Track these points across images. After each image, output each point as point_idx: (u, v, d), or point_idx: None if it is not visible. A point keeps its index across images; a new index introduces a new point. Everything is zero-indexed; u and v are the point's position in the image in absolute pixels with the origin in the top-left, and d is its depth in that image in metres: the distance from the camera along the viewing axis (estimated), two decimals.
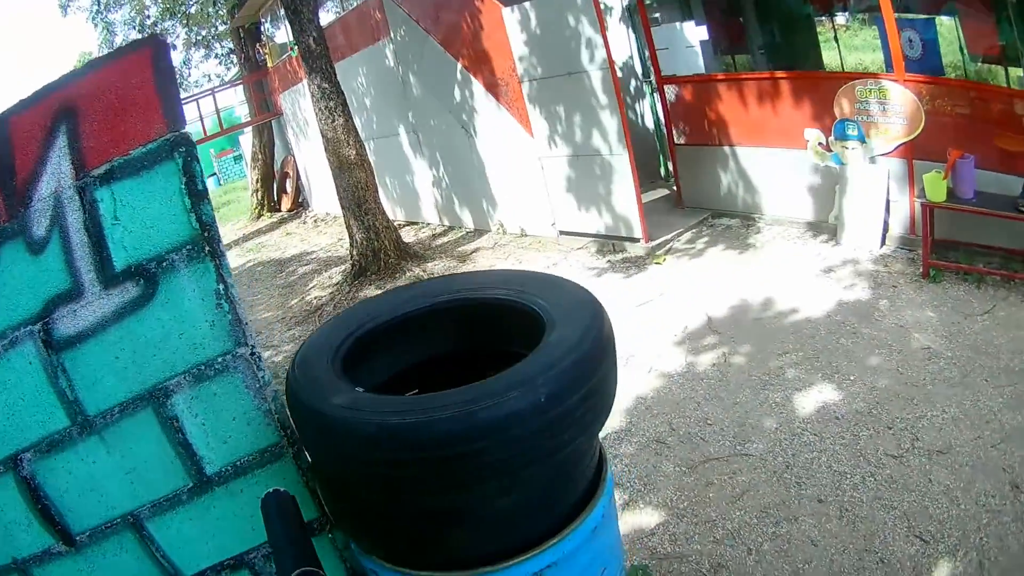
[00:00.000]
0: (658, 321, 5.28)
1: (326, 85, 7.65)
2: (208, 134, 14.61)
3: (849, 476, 3.28)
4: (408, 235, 9.67)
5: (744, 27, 7.95)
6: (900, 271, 5.14)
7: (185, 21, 16.04)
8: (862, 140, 5.45)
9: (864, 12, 7.76)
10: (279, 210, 15.05)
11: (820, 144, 5.82)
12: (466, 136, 8.50)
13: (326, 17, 11.12)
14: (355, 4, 10.18)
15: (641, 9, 7.30)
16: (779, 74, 6.16)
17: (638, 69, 8.37)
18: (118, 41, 15.27)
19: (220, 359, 1.64)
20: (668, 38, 7.93)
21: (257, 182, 15.11)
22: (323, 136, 7.94)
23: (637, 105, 8.59)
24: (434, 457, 1.37)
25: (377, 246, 8.00)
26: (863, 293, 4.94)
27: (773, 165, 6.40)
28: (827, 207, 6.03)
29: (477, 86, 7.96)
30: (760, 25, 7.86)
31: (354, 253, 8.19)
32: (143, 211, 1.60)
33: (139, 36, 14.28)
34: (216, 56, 17.76)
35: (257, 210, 15.10)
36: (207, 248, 1.60)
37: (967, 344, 4.07)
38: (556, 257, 7.31)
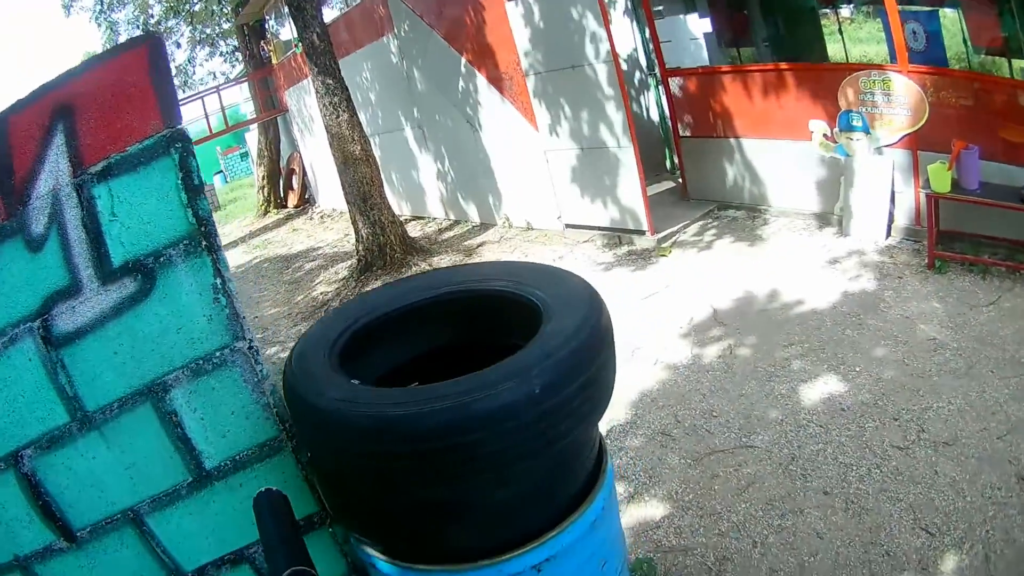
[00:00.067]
0: (664, 313, 5.27)
1: (330, 81, 7.65)
2: (213, 131, 14.64)
3: (855, 468, 3.26)
4: (414, 230, 9.68)
5: (748, 19, 7.92)
6: (905, 262, 5.10)
7: (189, 19, 16.07)
8: (867, 131, 5.41)
9: (868, 4, 7.70)
10: (285, 206, 15.08)
11: (825, 136, 5.78)
12: (471, 130, 8.49)
13: (330, 13, 11.13)
14: (359, 0, 10.17)
15: (644, 1, 7.26)
16: (783, 66, 6.12)
17: (642, 62, 8.33)
18: (122, 40, 15.29)
19: (218, 353, 1.64)
20: (672, 31, 7.89)
21: (263, 179, 15.14)
22: (328, 132, 7.94)
23: (642, 98, 8.55)
24: (428, 449, 1.37)
25: (383, 241, 8.00)
26: (869, 284, 4.91)
27: (778, 157, 6.37)
28: (832, 198, 6.00)
29: (481, 80, 7.94)
30: (764, 17, 7.83)
31: (360, 248, 8.20)
32: (140, 207, 1.61)
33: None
34: (221, 54, 17.81)
35: (263, 207, 15.13)
36: (204, 243, 1.61)
37: (973, 335, 4.04)
38: (562, 250, 7.30)
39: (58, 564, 1.72)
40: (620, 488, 3.50)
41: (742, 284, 5.38)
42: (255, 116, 15.63)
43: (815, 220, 6.21)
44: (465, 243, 8.55)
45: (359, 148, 7.83)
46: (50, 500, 1.68)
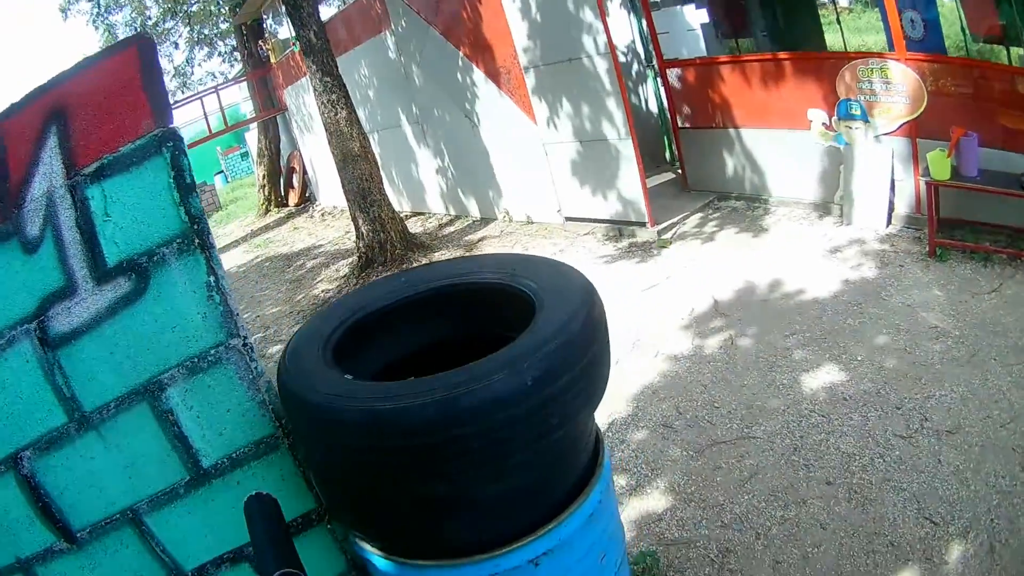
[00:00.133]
0: (665, 305, 5.26)
1: (328, 79, 7.65)
2: (213, 131, 14.64)
3: (858, 458, 3.25)
4: (414, 226, 9.67)
5: (745, 9, 7.88)
6: (906, 250, 5.09)
7: (187, 20, 16.06)
8: (865, 120, 5.39)
9: None
10: (286, 205, 15.08)
11: (824, 124, 5.76)
12: (470, 125, 8.48)
13: (327, 11, 11.11)
14: None
15: None
16: (781, 55, 6.10)
17: (640, 53, 8.31)
18: None
19: (213, 351, 1.64)
20: (669, 22, 7.87)
21: (264, 178, 15.14)
22: (326, 129, 7.94)
23: (640, 89, 8.53)
24: (420, 443, 1.36)
25: (383, 238, 8.01)
26: (870, 273, 4.90)
27: (778, 146, 6.35)
28: (832, 187, 5.99)
29: (479, 74, 7.93)
30: (762, 7, 7.79)
31: (360, 245, 8.20)
32: (133, 207, 1.61)
33: None
34: (219, 54, 17.78)
35: (264, 206, 15.13)
36: (197, 241, 1.61)
37: (975, 323, 4.02)
38: (563, 243, 7.29)
39: (59, 565, 1.72)
40: (622, 481, 3.50)
41: (743, 274, 5.38)
42: (254, 115, 15.63)
43: (815, 209, 6.19)
44: (466, 238, 8.55)
45: (358, 145, 7.83)
46: (50, 501, 1.68)
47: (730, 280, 5.35)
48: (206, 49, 17.56)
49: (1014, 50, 5.33)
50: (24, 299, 1.63)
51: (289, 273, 9.60)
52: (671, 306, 5.21)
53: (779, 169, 6.47)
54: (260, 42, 14.15)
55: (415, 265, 7.72)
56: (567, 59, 6.59)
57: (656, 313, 5.16)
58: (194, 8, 15.77)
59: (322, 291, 8.13)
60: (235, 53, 16.73)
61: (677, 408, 3.98)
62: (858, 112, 5.42)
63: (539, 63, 6.99)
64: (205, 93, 14.64)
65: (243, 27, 14.14)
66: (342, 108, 7.73)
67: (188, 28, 16.53)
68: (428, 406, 1.34)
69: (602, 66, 6.29)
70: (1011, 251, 4.57)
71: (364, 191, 7.94)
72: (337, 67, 7.78)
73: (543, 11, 6.62)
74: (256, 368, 1.67)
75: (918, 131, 5.13)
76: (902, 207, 5.48)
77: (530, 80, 7.20)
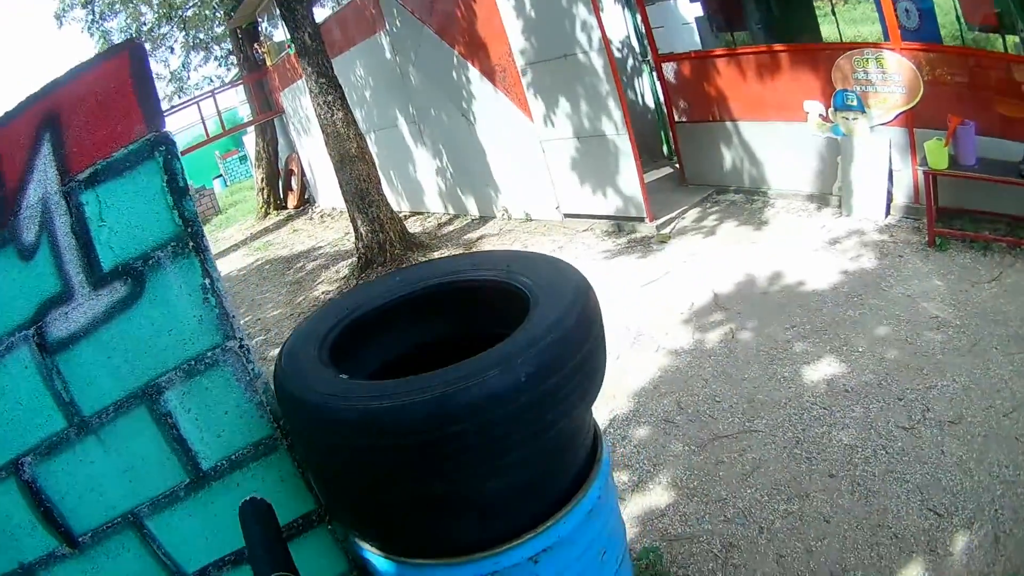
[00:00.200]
0: (664, 299, 5.26)
1: (323, 80, 7.65)
2: (210, 136, 14.65)
3: (860, 450, 3.24)
4: (413, 225, 9.67)
5: (740, 2, 7.87)
6: (906, 240, 5.08)
7: (182, 25, 16.05)
8: (862, 110, 5.39)
9: None
10: (286, 208, 15.09)
11: (820, 116, 5.75)
12: (467, 124, 8.47)
13: (321, 13, 11.11)
14: None
15: None
16: (777, 47, 6.09)
17: (636, 48, 8.30)
18: None
19: (209, 353, 1.65)
20: (663, 16, 7.87)
21: (262, 181, 15.14)
22: (323, 131, 7.94)
23: (636, 84, 8.52)
24: (415, 441, 1.36)
25: (382, 238, 8.01)
26: (869, 264, 4.89)
27: (775, 139, 6.34)
28: (831, 179, 5.98)
29: (475, 73, 7.93)
30: (756, 0, 7.78)
31: (360, 246, 8.20)
32: (128, 211, 1.62)
33: None
34: (215, 58, 17.75)
35: (264, 209, 15.14)
36: (191, 243, 1.61)
37: (975, 312, 4.02)
38: (562, 240, 7.29)
39: (61, 570, 1.72)
40: (624, 477, 3.50)
41: (742, 268, 5.37)
42: (252, 119, 15.63)
43: (814, 201, 6.19)
44: (465, 237, 8.55)
45: (355, 146, 7.83)
46: (51, 506, 1.69)
47: (730, 273, 5.34)
48: (202, 54, 17.54)
49: (1009, 38, 5.32)
50: (21, 305, 1.63)
51: (289, 275, 9.60)
52: (671, 301, 5.20)
53: (777, 162, 6.47)
54: (256, 45, 14.16)
55: (412, 264, 7.72)
56: (562, 55, 6.59)
57: (656, 308, 5.16)
58: (189, 13, 15.75)
59: (322, 293, 8.13)
60: (231, 57, 16.72)
61: (678, 403, 3.97)
62: (855, 103, 5.41)
63: (534, 60, 6.98)
64: (202, 97, 14.63)
65: (238, 31, 14.14)
66: (338, 109, 7.73)
67: (183, 33, 16.52)
68: (423, 404, 1.34)
69: (597, 62, 6.28)
70: (1010, 239, 4.56)
71: (362, 192, 7.94)
72: (332, 68, 7.78)
73: (537, 8, 6.61)
74: (253, 369, 1.67)
75: (915, 120, 5.12)
76: (900, 197, 5.47)
77: (526, 77, 7.19)
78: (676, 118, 7.28)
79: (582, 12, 6.16)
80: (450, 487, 1.50)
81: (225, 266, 11.52)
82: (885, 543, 2.73)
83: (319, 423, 1.46)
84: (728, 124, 6.69)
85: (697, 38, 8.05)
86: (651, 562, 2.87)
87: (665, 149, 8.43)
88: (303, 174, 14.49)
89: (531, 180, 7.92)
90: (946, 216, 4.92)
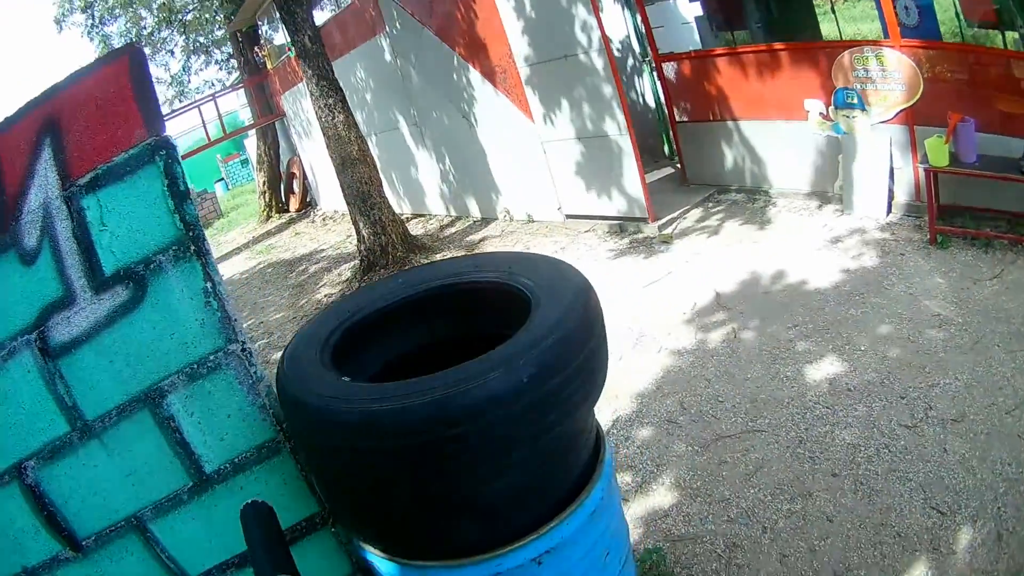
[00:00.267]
0: (667, 300, 5.25)
1: (324, 83, 7.66)
2: (212, 139, 14.67)
3: (863, 448, 3.24)
4: (415, 228, 9.68)
5: (740, 1, 7.87)
6: (907, 238, 5.08)
7: (182, 29, 16.08)
8: (862, 108, 5.38)
9: None
10: (288, 211, 15.11)
11: (821, 114, 5.75)
12: (468, 125, 8.48)
13: (321, 16, 11.12)
14: (349, 1, 10.16)
15: None
16: (777, 46, 6.09)
17: (635, 48, 8.30)
18: None
19: (212, 357, 1.65)
20: (663, 15, 7.87)
21: (264, 184, 15.17)
22: (324, 134, 7.95)
23: (637, 84, 8.52)
24: (417, 443, 1.36)
25: (384, 241, 8.01)
26: (871, 262, 4.89)
27: (776, 138, 6.34)
28: (832, 177, 5.98)
29: (475, 74, 7.93)
30: None
31: (362, 249, 8.21)
32: (129, 215, 1.62)
33: None
34: (216, 62, 17.80)
35: (266, 212, 15.16)
36: (192, 247, 1.62)
37: (977, 309, 4.01)
38: (564, 241, 7.29)
39: (65, 573, 1.72)
40: (627, 478, 3.49)
41: (744, 267, 5.37)
42: (253, 122, 15.65)
43: (815, 200, 6.19)
44: (467, 239, 8.55)
45: (356, 148, 7.83)
46: (55, 510, 1.69)
47: (732, 273, 5.34)
48: (202, 57, 17.59)
49: (1009, 34, 5.31)
50: (24, 310, 1.64)
51: (292, 279, 9.61)
52: (673, 301, 5.20)
53: (778, 161, 6.46)
54: (256, 48, 14.18)
55: (414, 266, 7.72)
56: (562, 56, 6.59)
57: (658, 308, 5.16)
58: (189, 17, 15.78)
59: (325, 296, 8.13)
60: (231, 60, 16.77)
61: (681, 403, 3.97)
62: (855, 101, 5.41)
63: (535, 61, 6.99)
64: (203, 101, 14.68)
65: (238, 34, 14.17)
66: (339, 112, 7.73)
67: (184, 37, 16.55)
68: (425, 406, 1.34)
69: (598, 62, 6.29)
70: (1012, 236, 4.56)
71: (364, 194, 7.94)
72: (333, 71, 7.79)
73: (537, 9, 6.62)
74: (256, 373, 1.67)
75: (915, 118, 5.11)
76: (901, 195, 5.46)
77: (526, 78, 7.20)
78: (677, 118, 7.28)
79: (582, 12, 6.16)
80: (452, 489, 1.50)
81: (227, 270, 11.54)
82: (888, 542, 2.73)
83: (321, 426, 1.46)
84: (729, 123, 6.69)
85: (697, 37, 8.05)
86: (655, 563, 2.87)
87: (666, 149, 8.43)
88: (305, 177, 14.51)
89: (532, 181, 7.92)
90: (947, 213, 4.91)
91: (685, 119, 7.21)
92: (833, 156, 5.87)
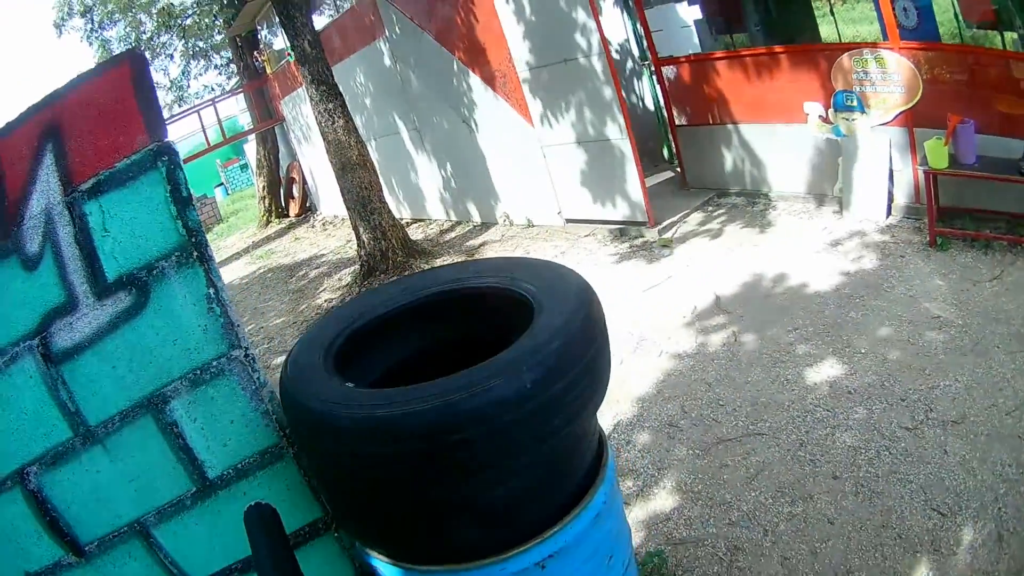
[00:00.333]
0: (667, 303, 5.26)
1: (324, 87, 7.67)
2: (211, 144, 14.68)
3: (864, 451, 3.24)
4: (415, 232, 9.69)
5: (739, 4, 7.89)
6: (907, 240, 5.08)
7: (182, 34, 16.10)
8: (862, 110, 5.39)
9: None
10: (287, 216, 15.12)
11: (820, 117, 5.76)
12: (467, 130, 8.49)
13: (321, 21, 11.16)
14: (349, 6, 10.18)
15: None
16: (776, 49, 6.11)
17: (635, 52, 8.32)
18: None
19: (215, 363, 1.65)
20: (662, 19, 7.88)
21: (264, 189, 15.18)
22: (324, 139, 7.96)
23: (636, 88, 8.54)
24: (421, 449, 1.36)
25: (384, 246, 8.01)
26: (871, 264, 4.89)
27: (776, 141, 6.35)
28: (831, 180, 5.99)
29: (475, 79, 7.94)
30: (755, 2, 7.80)
31: (362, 254, 8.21)
32: (131, 221, 1.62)
33: None
34: (215, 66, 17.82)
35: (265, 217, 15.17)
36: (195, 253, 1.62)
37: (977, 311, 4.02)
38: (564, 245, 7.29)
39: None
40: (629, 482, 3.49)
41: (744, 270, 5.37)
42: (252, 127, 15.67)
43: (815, 202, 6.19)
44: (467, 243, 8.56)
45: (356, 153, 7.84)
46: (57, 516, 1.69)
47: (732, 277, 5.35)
48: (202, 62, 17.61)
49: (1008, 35, 5.33)
50: (26, 316, 1.64)
51: (292, 284, 9.62)
52: (674, 305, 5.21)
53: (778, 164, 6.47)
54: (255, 53, 14.20)
55: (415, 271, 7.72)
56: (562, 60, 6.60)
57: (659, 312, 5.16)
58: (188, 22, 15.81)
59: (325, 301, 8.13)
60: (231, 65, 16.78)
61: (682, 407, 3.97)
62: (854, 103, 5.42)
63: (534, 65, 7.00)
64: (202, 106, 14.69)
65: (238, 39, 14.19)
66: (339, 117, 7.74)
67: (183, 42, 16.58)
68: (428, 412, 1.35)
69: (597, 66, 6.30)
70: (1011, 238, 4.56)
71: (364, 199, 7.94)
72: (333, 76, 7.80)
73: (537, 13, 6.63)
74: (259, 378, 1.68)
75: (915, 120, 5.13)
76: (901, 197, 5.47)
77: (526, 82, 7.21)
78: (677, 121, 7.29)
79: (581, 16, 6.17)
80: (457, 494, 1.50)
81: (227, 275, 11.53)
82: (889, 544, 2.73)
83: (324, 431, 1.47)
84: (729, 127, 6.70)
85: (696, 41, 8.07)
86: (656, 566, 2.87)
87: (666, 153, 8.44)
88: (304, 182, 14.51)
89: (532, 186, 7.93)
90: (947, 215, 4.92)
91: (685, 123, 7.22)
92: (833, 159, 5.87)
